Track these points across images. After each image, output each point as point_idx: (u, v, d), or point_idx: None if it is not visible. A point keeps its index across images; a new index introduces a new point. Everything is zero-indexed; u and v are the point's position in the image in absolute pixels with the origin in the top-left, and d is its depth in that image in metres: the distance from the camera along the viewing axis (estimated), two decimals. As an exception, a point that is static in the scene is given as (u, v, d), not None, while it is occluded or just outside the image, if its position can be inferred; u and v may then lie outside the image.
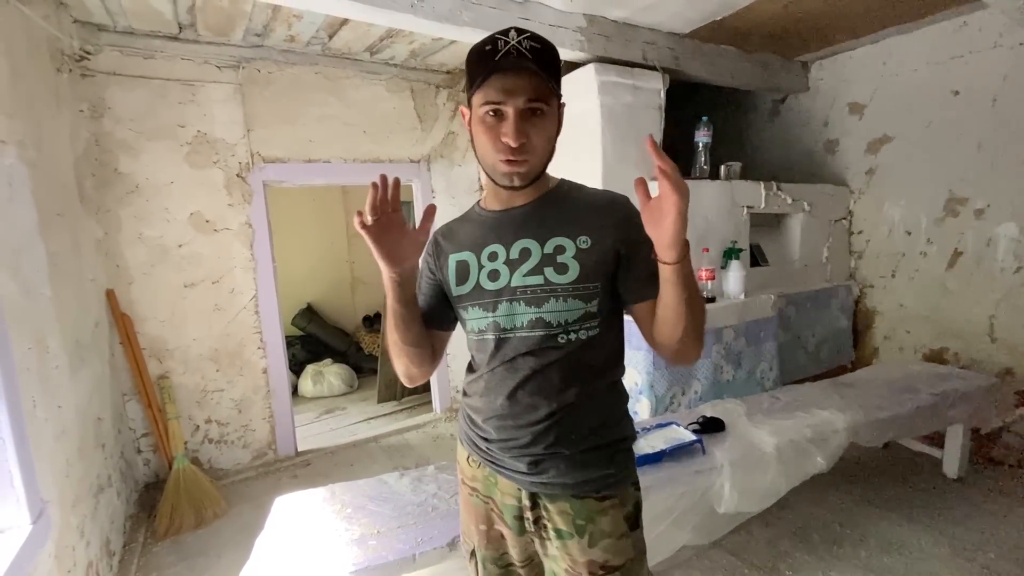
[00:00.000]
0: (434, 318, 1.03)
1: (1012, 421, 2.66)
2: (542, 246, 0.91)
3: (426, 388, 3.82)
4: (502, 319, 0.92)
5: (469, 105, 0.90)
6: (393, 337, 0.98)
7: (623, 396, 1.00)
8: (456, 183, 3.53)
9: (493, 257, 0.94)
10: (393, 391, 3.96)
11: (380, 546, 1.38)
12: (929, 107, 2.87)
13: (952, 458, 2.48)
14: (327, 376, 4.28)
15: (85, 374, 2.06)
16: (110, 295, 2.54)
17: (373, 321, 5.18)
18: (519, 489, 0.95)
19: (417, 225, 0.89)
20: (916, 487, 2.43)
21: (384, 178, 0.85)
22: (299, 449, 3.15)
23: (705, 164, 2.73)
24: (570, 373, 0.91)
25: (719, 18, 2.52)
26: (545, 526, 0.94)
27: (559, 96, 0.89)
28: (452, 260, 0.98)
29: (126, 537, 2.32)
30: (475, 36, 2.23)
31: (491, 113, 0.85)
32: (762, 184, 2.84)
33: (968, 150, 2.75)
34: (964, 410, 2.32)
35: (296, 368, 4.40)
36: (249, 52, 2.76)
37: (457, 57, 3.06)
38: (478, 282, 0.94)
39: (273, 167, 2.92)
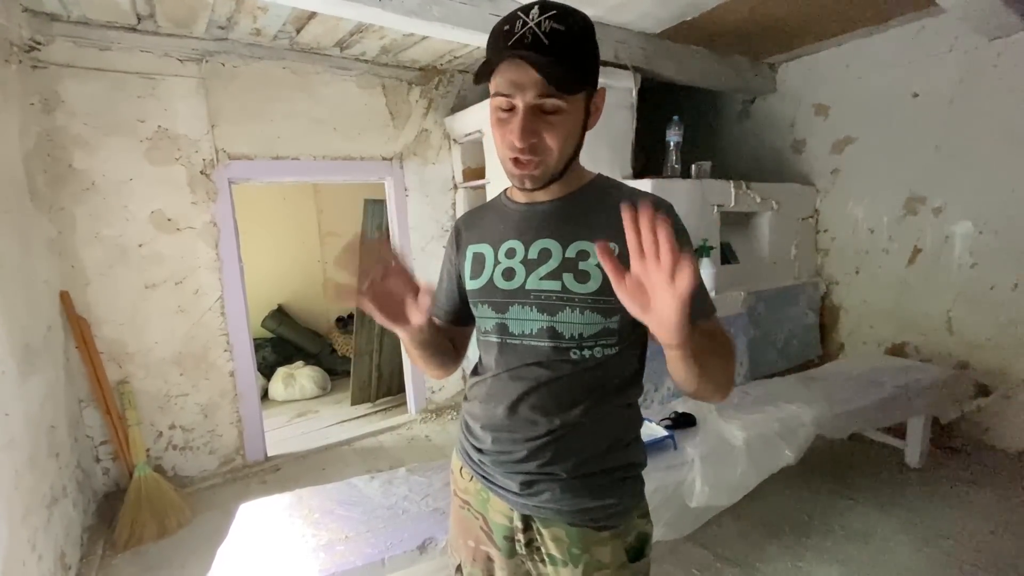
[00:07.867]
0: (456, 314, 0.97)
1: (970, 411, 2.77)
2: (564, 249, 0.81)
3: (400, 389, 3.77)
4: (510, 323, 0.84)
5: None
6: (418, 363, 0.95)
7: (636, 419, 0.90)
8: (430, 182, 3.49)
9: (511, 254, 0.85)
10: (367, 393, 3.89)
11: (348, 551, 1.35)
12: (890, 109, 2.97)
13: (914, 448, 2.56)
14: (299, 379, 4.18)
15: (36, 380, 1.96)
16: (64, 297, 2.43)
17: (347, 322, 5.08)
18: (511, 509, 0.87)
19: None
20: (880, 477, 2.50)
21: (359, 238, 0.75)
22: (269, 454, 3.06)
23: (676, 163, 2.75)
24: (580, 391, 0.82)
25: (688, 19, 2.55)
26: (539, 549, 0.87)
27: (589, 85, 0.77)
28: (470, 251, 0.91)
29: (83, 550, 2.21)
30: (445, 32, 2.21)
31: (503, 105, 0.75)
32: (732, 183, 2.89)
33: (926, 150, 2.85)
34: (924, 401, 2.40)
35: (267, 371, 4.29)
36: (213, 45, 2.67)
37: (430, 54, 3.03)
38: (491, 279, 0.86)
39: (239, 164, 2.84)
